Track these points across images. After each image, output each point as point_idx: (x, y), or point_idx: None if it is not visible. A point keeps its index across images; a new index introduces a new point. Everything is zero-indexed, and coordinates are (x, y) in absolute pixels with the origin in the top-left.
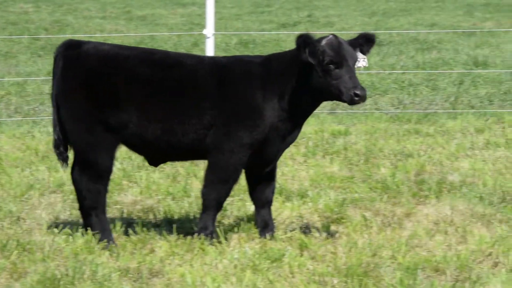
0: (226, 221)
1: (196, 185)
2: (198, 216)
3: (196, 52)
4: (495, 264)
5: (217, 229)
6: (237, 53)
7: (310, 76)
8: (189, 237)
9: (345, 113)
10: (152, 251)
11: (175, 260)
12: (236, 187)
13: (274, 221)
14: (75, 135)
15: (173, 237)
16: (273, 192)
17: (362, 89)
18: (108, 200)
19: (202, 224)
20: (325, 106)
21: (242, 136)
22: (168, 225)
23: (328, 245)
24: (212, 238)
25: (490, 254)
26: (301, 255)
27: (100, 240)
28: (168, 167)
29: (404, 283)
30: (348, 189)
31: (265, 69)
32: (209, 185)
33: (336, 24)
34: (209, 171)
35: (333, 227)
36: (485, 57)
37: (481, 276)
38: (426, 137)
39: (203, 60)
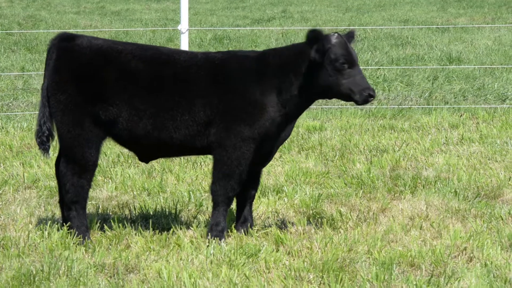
0: (202, 217)
1: (171, 181)
2: (173, 211)
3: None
4: (470, 259)
5: (193, 225)
6: (211, 49)
7: (315, 73)
8: (165, 233)
9: (320, 109)
10: (128, 246)
11: (151, 255)
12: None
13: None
14: (63, 128)
15: (148, 232)
16: (256, 189)
17: (373, 89)
18: None
19: (214, 221)
20: None
21: (243, 130)
22: (144, 220)
23: (304, 240)
24: (223, 234)
25: (465, 249)
26: (277, 251)
27: (77, 235)
28: (143, 163)
29: (380, 278)
30: (323, 184)
31: (261, 64)
32: (216, 182)
33: (311, 20)
34: (215, 168)
35: (308, 222)
36: (459, 53)
37: (456, 271)
38: (401, 132)
39: (196, 56)
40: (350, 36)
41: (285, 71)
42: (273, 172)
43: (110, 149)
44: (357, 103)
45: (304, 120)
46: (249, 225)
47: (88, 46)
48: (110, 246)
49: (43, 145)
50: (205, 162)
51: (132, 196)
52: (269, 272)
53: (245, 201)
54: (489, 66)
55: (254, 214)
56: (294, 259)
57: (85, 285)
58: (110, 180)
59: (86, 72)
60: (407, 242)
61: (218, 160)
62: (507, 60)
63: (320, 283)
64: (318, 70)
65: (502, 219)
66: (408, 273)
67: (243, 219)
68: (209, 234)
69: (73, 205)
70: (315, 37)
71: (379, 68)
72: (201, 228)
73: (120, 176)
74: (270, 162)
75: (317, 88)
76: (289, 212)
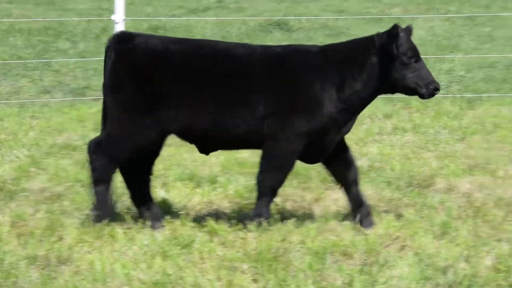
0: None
1: None
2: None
3: (105, 37)
4: (402, 248)
5: (126, 216)
6: None
7: (381, 68)
8: (98, 224)
9: None
10: (60, 238)
11: (84, 247)
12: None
13: (184, 207)
14: (116, 124)
15: (82, 224)
16: (357, 172)
17: (438, 83)
18: (15, 187)
19: (257, 211)
20: None
21: (299, 125)
22: (77, 212)
23: (238, 231)
24: (265, 224)
25: (397, 238)
26: (211, 241)
27: (93, 211)
28: (78, 154)
29: (313, 267)
30: None
31: (322, 59)
32: (264, 173)
33: (247, 10)
34: (264, 159)
35: (243, 213)
36: None
37: (388, 260)
38: None
39: (255, 50)
40: (409, 30)
41: (348, 67)
42: (208, 163)
43: (43, 140)
44: (423, 97)
45: None
46: (367, 208)
47: (145, 46)
48: (43, 238)
49: None
50: None
51: (66, 187)
52: (203, 263)
53: (351, 186)
54: (423, 56)
55: (189, 205)
56: (228, 250)
57: (17, 277)
58: (43, 171)
59: (145, 72)
60: (340, 231)
61: (269, 152)
62: (441, 50)
63: (254, 273)
64: (384, 65)
65: (434, 208)
66: (341, 262)
67: (358, 204)
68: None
69: (100, 184)
70: (398, 32)
71: None
72: (135, 219)
73: (53, 167)
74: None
75: (383, 83)
76: (224, 203)
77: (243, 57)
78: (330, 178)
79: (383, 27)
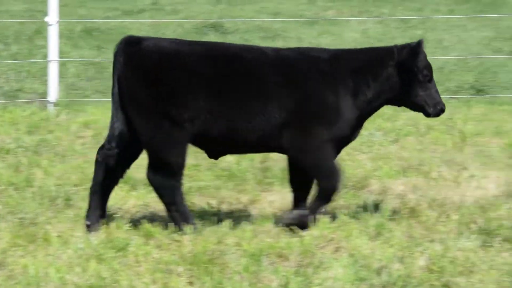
0: (71, 212)
1: (40, 175)
2: (41, 206)
3: (39, 39)
4: (337, 249)
5: (61, 220)
6: (81, 41)
7: (395, 81)
8: (32, 228)
9: None
10: None
11: (17, 251)
12: (82, 176)
13: (119, 210)
14: (145, 134)
15: (15, 228)
16: (311, 184)
17: (444, 104)
18: None
19: (313, 208)
20: None
21: (322, 132)
22: (11, 215)
23: (174, 234)
24: (311, 222)
25: (332, 239)
26: (147, 244)
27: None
28: (11, 157)
29: (249, 269)
30: (194, 177)
31: (336, 65)
32: (323, 181)
33: (182, 12)
34: (313, 173)
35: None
36: (328, 46)
37: (324, 261)
38: None
39: (266, 53)
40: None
41: (363, 74)
42: (143, 166)
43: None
44: (429, 115)
45: None
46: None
47: (155, 48)
48: None
49: (108, 153)
50: (73, 156)
51: None
52: (138, 266)
53: (303, 194)
54: None
55: (125, 208)
56: (164, 252)
57: None
58: None
59: (155, 75)
60: (276, 233)
61: (311, 166)
62: None
63: (190, 276)
64: (400, 78)
65: (368, 209)
66: (277, 263)
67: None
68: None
69: (171, 207)
70: (421, 49)
71: None
72: (69, 223)
73: None
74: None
75: (394, 96)
76: (160, 206)
77: (254, 60)
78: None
79: (317, 30)
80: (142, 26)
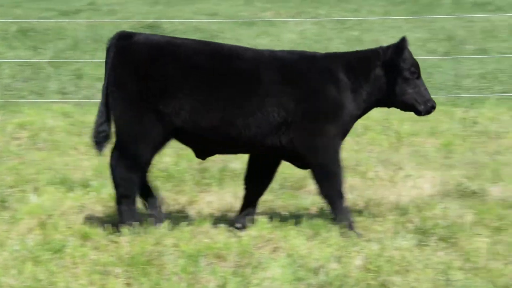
0: (6, 214)
1: None
2: None
3: None
4: (275, 249)
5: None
6: (16, 41)
7: (383, 81)
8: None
9: None
10: None
11: None
12: (18, 178)
13: (56, 212)
14: (122, 124)
15: None
16: (267, 187)
17: (434, 101)
18: None
19: (340, 220)
20: None
21: (329, 129)
22: None
23: (111, 235)
24: (353, 225)
25: (270, 240)
26: (84, 246)
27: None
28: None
29: (187, 270)
30: None
31: (332, 64)
32: (324, 186)
33: (119, 13)
34: (317, 172)
35: (116, 217)
36: (265, 47)
37: (262, 261)
38: None
39: (262, 53)
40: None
41: (355, 74)
42: (80, 167)
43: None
44: (420, 113)
45: None
46: (251, 218)
47: (146, 42)
48: None
49: (99, 145)
50: (9, 157)
51: None
52: (75, 267)
53: (255, 196)
54: None
55: (61, 209)
56: (101, 254)
57: None
58: None
59: (146, 69)
60: (214, 234)
61: (317, 163)
62: None
63: (128, 277)
64: (388, 78)
65: (306, 209)
66: (215, 264)
67: (247, 212)
68: (344, 233)
69: (124, 200)
70: (405, 46)
71: None
72: (5, 224)
73: None
74: (78, 157)
75: (383, 96)
76: (97, 207)
77: (249, 58)
78: (245, 178)
79: (255, 31)
80: (79, 27)
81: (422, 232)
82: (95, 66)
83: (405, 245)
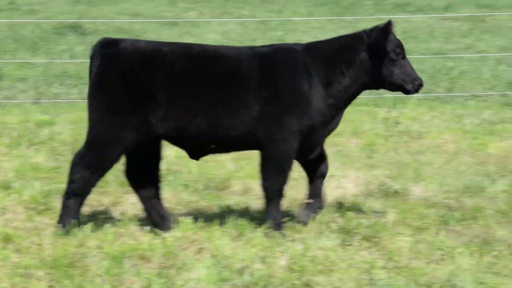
0: None
1: None
2: None
3: None
4: (200, 250)
5: None
6: None
7: (369, 64)
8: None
9: (50, 103)
10: None
11: None
12: None
13: None
14: (99, 128)
15: None
16: (327, 167)
17: (421, 79)
18: None
19: (270, 216)
20: (30, 96)
21: (292, 123)
22: None
23: (34, 237)
24: (281, 226)
25: (194, 241)
26: (5, 248)
27: (61, 223)
28: None
29: (111, 272)
30: (54, 179)
31: (308, 56)
32: (268, 177)
33: (40, 12)
34: (265, 163)
35: (38, 219)
36: None
37: (186, 262)
38: None
39: (243, 51)
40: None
41: (335, 62)
42: (1, 168)
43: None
44: (409, 92)
45: (34, 115)
46: (320, 201)
47: (132, 49)
48: None
49: None
50: None
51: None
52: None
53: (317, 179)
54: None
55: None
56: (23, 256)
57: None
58: None
59: (135, 76)
60: (138, 235)
61: (269, 155)
62: None
63: (50, 279)
64: (373, 61)
65: (230, 210)
66: (139, 266)
67: (314, 195)
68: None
69: (73, 197)
70: (391, 28)
71: None
72: None
73: None
74: (0, 158)
75: (370, 79)
76: (18, 209)
77: (232, 57)
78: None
79: (178, 31)
80: None
81: (346, 232)
82: (16, 66)
83: (329, 245)
